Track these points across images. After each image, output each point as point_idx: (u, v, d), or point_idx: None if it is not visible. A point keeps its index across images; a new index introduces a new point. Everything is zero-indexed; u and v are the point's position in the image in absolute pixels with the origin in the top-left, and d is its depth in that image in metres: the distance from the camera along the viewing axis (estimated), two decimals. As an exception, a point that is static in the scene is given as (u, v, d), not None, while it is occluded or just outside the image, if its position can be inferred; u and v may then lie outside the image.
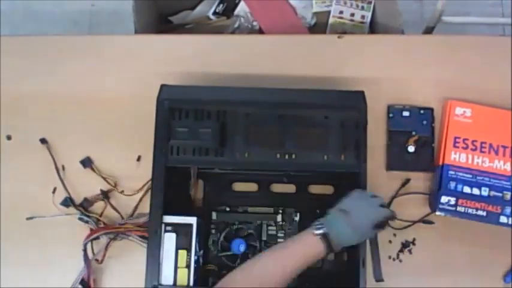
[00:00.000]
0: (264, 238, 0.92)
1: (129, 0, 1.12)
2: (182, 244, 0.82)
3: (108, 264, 0.94)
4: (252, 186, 0.96)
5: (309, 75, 1.01)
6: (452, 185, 0.93)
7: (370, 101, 0.85)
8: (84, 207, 0.96)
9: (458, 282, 0.92)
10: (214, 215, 0.93)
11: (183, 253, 0.82)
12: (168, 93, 0.86)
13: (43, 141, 0.99)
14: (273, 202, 0.94)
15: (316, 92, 0.87)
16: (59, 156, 0.99)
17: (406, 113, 0.98)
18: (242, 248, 0.89)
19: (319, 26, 1.34)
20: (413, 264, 0.88)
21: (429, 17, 1.16)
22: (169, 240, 0.82)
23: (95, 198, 0.97)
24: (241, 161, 0.84)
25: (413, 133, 0.97)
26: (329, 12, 1.33)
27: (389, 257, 0.93)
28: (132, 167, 0.98)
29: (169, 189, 0.83)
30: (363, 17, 1.32)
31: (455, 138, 0.96)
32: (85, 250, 0.90)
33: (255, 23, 1.31)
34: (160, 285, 0.81)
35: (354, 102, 0.85)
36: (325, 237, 0.73)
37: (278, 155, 0.84)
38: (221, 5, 1.34)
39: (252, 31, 1.31)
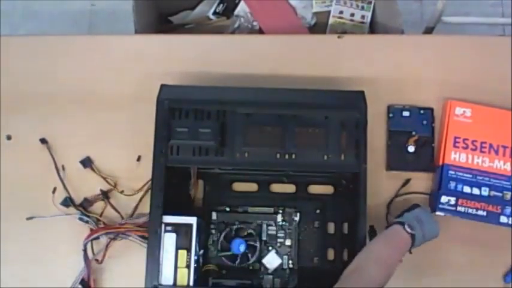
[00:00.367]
0: (264, 238, 0.92)
1: (129, 0, 1.12)
2: (182, 244, 0.82)
3: (108, 264, 0.93)
4: (252, 186, 0.96)
5: (309, 75, 1.01)
6: (452, 185, 0.93)
7: (370, 101, 0.85)
8: (84, 207, 0.96)
9: (458, 282, 0.92)
10: (214, 215, 0.93)
11: (183, 253, 0.82)
12: (168, 93, 0.86)
13: (43, 141, 0.99)
14: (273, 202, 0.94)
15: (316, 92, 0.87)
16: (59, 156, 0.98)
17: (406, 113, 0.98)
18: (242, 248, 0.89)
19: (319, 26, 1.33)
20: (413, 264, 0.88)
21: (429, 17, 1.16)
22: (169, 240, 0.82)
23: (94, 198, 0.96)
24: (241, 160, 0.84)
25: (413, 133, 0.97)
26: (329, 12, 1.33)
27: (389, 257, 0.93)
28: (132, 167, 0.98)
29: (169, 189, 0.83)
30: (363, 17, 1.32)
31: (455, 138, 0.96)
32: (85, 250, 0.90)
33: (255, 23, 1.31)
34: (160, 285, 0.81)
35: (354, 102, 0.85)
36: (413, 237, 0.79)
37: (278, 155, 0.84)
38: (221, 5, 1.34)
39: (252, 31, 1.31)
